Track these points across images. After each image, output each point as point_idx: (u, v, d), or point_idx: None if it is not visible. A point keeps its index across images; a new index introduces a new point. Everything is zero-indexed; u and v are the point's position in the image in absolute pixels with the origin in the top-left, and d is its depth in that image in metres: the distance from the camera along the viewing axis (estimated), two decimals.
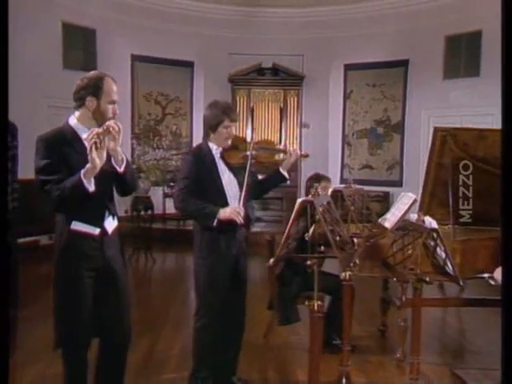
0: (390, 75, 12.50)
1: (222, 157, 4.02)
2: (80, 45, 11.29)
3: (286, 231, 2.79)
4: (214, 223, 3.77)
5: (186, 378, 4.19)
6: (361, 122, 13.00)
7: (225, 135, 3.96)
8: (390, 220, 4.25)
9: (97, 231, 3.26)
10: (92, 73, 3.28)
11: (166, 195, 11.70)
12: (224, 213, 3.77)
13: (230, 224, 3.82)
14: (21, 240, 7.16)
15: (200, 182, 3.90)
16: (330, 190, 3.57)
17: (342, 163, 13.27)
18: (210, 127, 3.97)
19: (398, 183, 12.22)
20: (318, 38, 12.68)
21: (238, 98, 12.83)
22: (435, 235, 3.44)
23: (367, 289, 5.94)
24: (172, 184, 10.42)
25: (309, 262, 2.78)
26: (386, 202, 11.86)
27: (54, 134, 3.22)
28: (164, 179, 10.86)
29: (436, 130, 5.12)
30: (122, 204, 10.02)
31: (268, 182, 4.19)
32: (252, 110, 12.89)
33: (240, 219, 3.76)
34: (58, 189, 3.01)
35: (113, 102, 3.25)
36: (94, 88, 3.19)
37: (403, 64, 12.25)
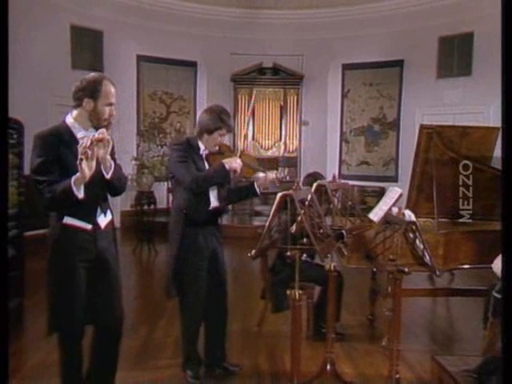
0: (386, 75, 12.50)
1: (207, 158, 4.09)
2: (88, 46, 11.32)
3: (267, 224, 2.83)
4: (230, 173, 3.89)
5: (180, 365, 4.26)
6: (358, 120, 13.01)
7: (217, 141, 4.04)
8: (377, 214, 4.30)
9: (89, 226, 3.29)
10: (91, 75, 3.27)
11: (169, 190, 11.74)
12: (230, 163, 3.88)
13: (210, 216, 4.00)
14: (29, 233, 7.22)
15: None
16: (314, 185, 3.59)
17: (339, 159, 13.28)
18: (207, 130, 4.01)
19: (394, 179, 12.21)
20: (317, 38, 12.70)
21: (239, 97, 12.92)
22: (414, 228, 3.48)
23: (360, 279, 5.98)
24: None
25: (288, 253, 2.81)
26: (381, 197, 11.85)
27: (50, 132, 3.23)
28: (168, 175, 10.90)
29: (422, 127, 5.15)
30: (128, 198, 10.13)
31: (241, 192, 4.28)
32: (253, 108, 12.87)
33: (239, 169, 3.89)
34: (50, 191, 3.04)
35: (110, 105, 3.26)
36: (92, 90, 3.19)
37: (398, 64, 12.25)
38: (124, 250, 9.97)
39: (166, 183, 11.60)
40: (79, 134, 3.17)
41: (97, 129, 3.14)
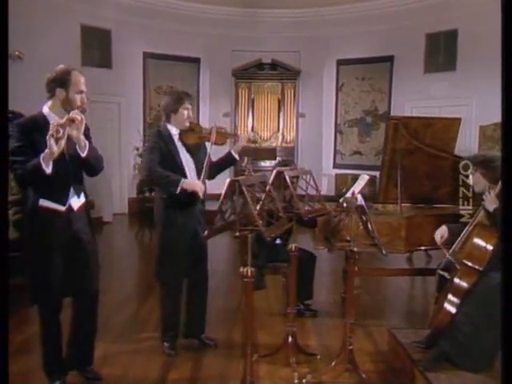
0: (377, 70, 12.48)
1: (181, 138, 4.15)
2: (97, 44, 11.39)
3: (218, 207, 2.91)
4: (177, 191, 3.89)
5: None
6: (351, 112, 13.00)
7: (185, 116, 4.10)
8: None
9: (63, 208, 3.38)
10: (60, 67, 3.35)
11: None
12: (188, 184, 3.92)
13: (188, 199, 3.98)
14: None
15: (163, 162, 4.01)
16: (274, 172, 3.66)
17: (334, 150, 13.29)
18: (172, 110, 4.11)
19: None
20: (313, 36, 12.68)
21: (240, 91, 12.96)
22: (362, 210, 3.54)
23: (339, 260, 6.01)
24: None
25: (237, 234, 2.89)
26: (373, 185, 11.87)
27: (26, 120, 3.35)
28: None
29: (389, 118, 5.21)
30: (135, 186, 10.25)
31: (221, 163, 4.32)
32: (253, 102, 12.99)
33: (202, 193, 3.91)
34: (21, 168, 3.15)
35: (80, 92, 3.34)
36: (63, 80, 3.28)
37: (389, 59, 12.21)
38: (128, 234, 10.15)
39: None
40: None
41: None
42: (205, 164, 3.98)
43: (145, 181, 9.51)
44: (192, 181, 3.99)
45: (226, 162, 4.36)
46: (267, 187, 3.33)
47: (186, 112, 4.11)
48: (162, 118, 4.29)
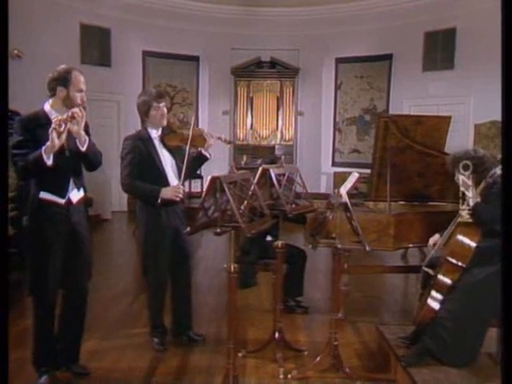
0: (376, 68, 12.51)
1: (162, 140, 4.18)
2: (96, 43, 11.44)
3: (200, 203, 2.94)
4: (158, 201, 3.96)
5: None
6: (350, 111, 13.03)
7: (158, 116, 4.12)
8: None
9: (62, 201, 3.46)
10: (61, 66, 3.45)
11: None
12: (165, 194, 3.98)
13: (169, 200, 4.03)
14: None
15: (142, 165, 4.04)
16: (259, 169, 3.69)
17: (333, 148, 13.32)
18: (144, 112, 4.14)
19: None
20: (312, 34, 12.74)
21: (239, 89, 13.02)
22: (345, 207, 3.57)
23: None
24: None
25: (218, 230, 2.91)
26: (370, 183, 11.90)
27: (29, 116, 3.44)
28: None
29: (379, 117, 5.21)
30: None
31: (194, 162, 4.33)
32: (252, 100, 13.04)
33: (179, 197, 3.97)
34: (23, 160, 3.24)
35: (80, 91, 3.45)
36: (64, 79, 3.39)
37: (388, 58, 12.24)
38: (126, 232, 10.20)
39: None
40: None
41: None
42: (184, 167, 4.02)
43: None
44: (168, 190, 4.02)
45: (199, 160, 4.38)
46: (252, 185, 3.36)
47: (156, 113, 4.11)
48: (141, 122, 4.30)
